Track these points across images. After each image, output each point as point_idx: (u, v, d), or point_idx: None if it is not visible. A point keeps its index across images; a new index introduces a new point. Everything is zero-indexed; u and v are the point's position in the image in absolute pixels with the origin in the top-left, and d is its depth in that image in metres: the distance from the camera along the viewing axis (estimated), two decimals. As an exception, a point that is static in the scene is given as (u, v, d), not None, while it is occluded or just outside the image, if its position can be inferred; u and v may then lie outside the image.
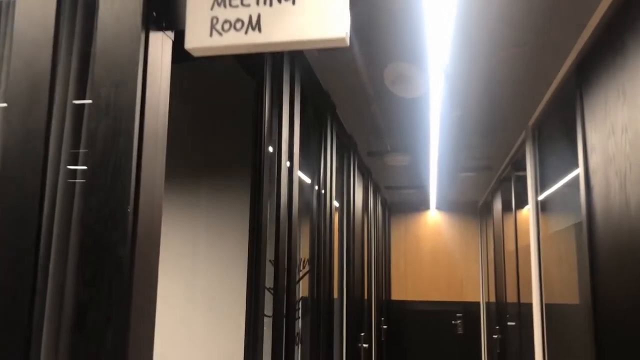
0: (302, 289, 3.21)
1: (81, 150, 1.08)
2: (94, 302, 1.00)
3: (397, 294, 7.65)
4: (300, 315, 2.65)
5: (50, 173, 1.12)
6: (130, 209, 1.03)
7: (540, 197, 3.48)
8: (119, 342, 0.99)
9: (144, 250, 1.06)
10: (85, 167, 1.05)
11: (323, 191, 3.02)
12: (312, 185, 3.04)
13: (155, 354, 3.96)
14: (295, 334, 2.40)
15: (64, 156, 1.13)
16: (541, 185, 3.47)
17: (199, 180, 4.20)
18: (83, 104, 1.12)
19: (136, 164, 1.05)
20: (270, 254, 1.99)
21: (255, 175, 1.88)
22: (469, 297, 7.47)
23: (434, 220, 7.69)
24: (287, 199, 2.13)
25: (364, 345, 4.54)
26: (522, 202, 4.44)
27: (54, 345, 1.04)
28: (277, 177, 2.01)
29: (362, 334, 4.57)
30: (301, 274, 2.81)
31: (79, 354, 0.99)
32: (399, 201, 7.61)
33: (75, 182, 1.09)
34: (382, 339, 6.44)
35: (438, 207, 7.70)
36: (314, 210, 2.95)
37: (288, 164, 2.17)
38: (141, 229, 1.05)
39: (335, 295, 3.87)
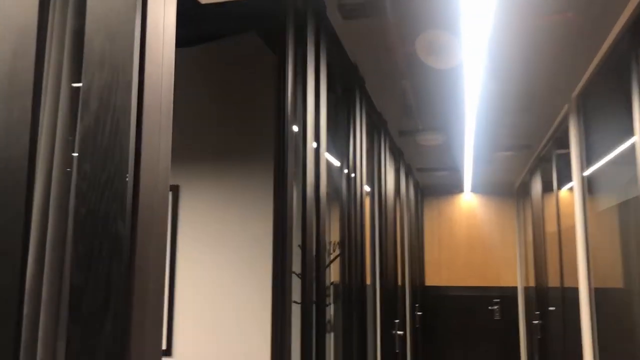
0: (333, 274, 3.07)
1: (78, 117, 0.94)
2: (89, 285, 0.87)
3: (431, 280, 7.46)
4: (331, 301, 2.51)
5: (45, 141, 0.99)
6: (129, 177, 0.89)
7: (586, 173, 3.25)
8: (118, 331, 0.86)
9: (147, 225, 0.93)
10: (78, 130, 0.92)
11: (353, 174, 2.87)
12: (341, 167, 2.88)
13: (178, 345, 3.90)
14: (327, 321, 2.27)
15: (60, 123, 0.99)
16: (586, 161, 3.24)
17: (221, 164, 4.09)
18: (78, 59, 0.98)
19: (136, 124, 0.91)
20: (298, 238, 1.85)
21: (278, 156, 1.73)
22: (506, 282, 7.23)
23: (469, 203, 7.46)
24: (314, 180, 1.98)
25: (399, 332, 4.39)
26: (563, 181, 4.20)
27: (51, 334, 0.92)
28: (302, 158, 1.86)
29: (397, 321, 4.41)
30: (331, 257, 2.66)
31: (75, 343, 0.86)
32: (432, 184, 7.38)
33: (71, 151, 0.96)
34: (417, 326, 6.28)
35: (473, 190, 7.45)
36: (344, 192, 2.80)
37: (314, 144, 2.02)
38: (143, 201, 0.92)
39: (368, 281, 3.72)
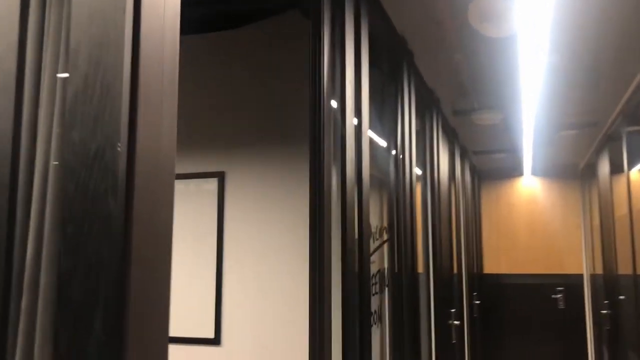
0: (381, 261, 2.91)
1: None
2: (78, 270, 0.75)
3: (489, 268, 7.15)
4: (377, 290, 2.36)
5: (27, 105, 0.88)
6: (121, 147, 0.76)
7: (663, 151, 2.94)
8: (109, 323, 0.73)
9: (146, 204, 0.80)
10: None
11: (402, 155, 2.68)
12: (389, 147, 2.71)
13: (225, 334, 3.83)
14: (372, 312, 2.11)
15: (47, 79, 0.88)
16: (663, 137, 2.93)
17: (266, 149, 3.99)
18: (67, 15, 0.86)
19: (130, 84, 0.78)
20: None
21: (314, 134, 1.58)
22: (570, 269, 6.84)
23: (529, 186, 7.08)
24: (356, 159, 1.82)
25: (455, 322, 4.18)
26: (635, 160, 3.86)
27: (32, 325, 0.81)
28: (341, 135, 1.70)
29: (453, 310, 4.21)
30: (377, 243, 2.50)
31: (62, 337, 0.75)
32: (489, 167, 7.05)
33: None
34: (475, 316, 6.02)
35: (533, 172, 7.06)
36: (392, 175, 2.63)
37: (355, 120, 1.86)
38: (140, 175, 0.79)
39: (421, 269, 3.53)
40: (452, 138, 4.63)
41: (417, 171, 3.45)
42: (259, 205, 4.04)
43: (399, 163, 2.66)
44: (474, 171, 6.67)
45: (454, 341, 4.20)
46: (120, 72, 0.78)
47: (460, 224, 5.16)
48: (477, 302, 6.09)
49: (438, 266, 3.61)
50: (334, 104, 1.74)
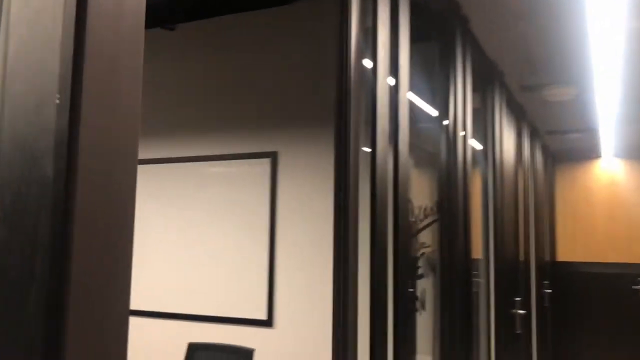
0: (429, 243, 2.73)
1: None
2: (12, 243, 0.66)
3: (563, 255, 6.72)
4: (421, 274, 2.19)
5: None
6: (60, 99, 0.66)
7: None
8: (43, 304, 0.64)
9: (94, 168, 0.69)
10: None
11: (454, 130, 2.48)
12: (440, 121, 2.51)
13: (278, 316, 3.77)
14: (414, 298, 1.96)
15: None
16: None
17: (318, 128, 3.87)
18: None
19: (74, 26, 0.67)
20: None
21: (340, 96, 1.43)
22: (655, 259, 6.31)
23: (609, 168, 6.57)
24: (392, 126, 1.66)
25: (520, 311, 3.92)
26: None
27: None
28: (372, 97, 1.55)
29: (518, 299, 3.95)
30: (423, 223, 2.32)
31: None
32: (564, 148, 6.59)
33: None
34: (545, 305, 5.68)
35: (615, 154, 6.54)
36: (443, 150, 2.44)
37: (392, 81, 1.70)
38: (86, 135, 0.68)
39: (479, 254, 3.32)
40: (520, 116, 4.31)
41: (476, 148, 3.22)
42: (311, 184, 3.93)
43: (450, 136, 2.46)
44: (547, 152, 6.25)
45: (518, 331, 3.94)
46: (61, 17, 0.67)
47: (529, 208, 4.84)
48: (548, 291, 5.73)
49: (499, 252, 3.38)
50: (368, 65, 1.59)
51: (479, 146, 3.29)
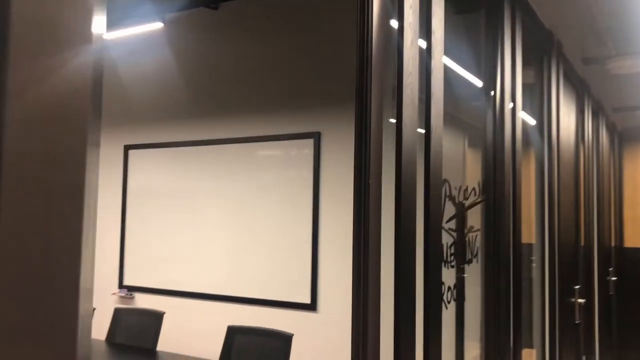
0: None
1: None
2: None
3: (631, 241, 6.30)
4: (455, 260, 2.03)
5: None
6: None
7: None
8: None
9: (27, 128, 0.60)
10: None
11: (500, 99, 2.29)
12: (486, 91, 2.33)
13: (322, 300, 3.67)
14: (446, 287, 1.81)
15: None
16: None
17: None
18: None
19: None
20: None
21: (362, 59, 1.30)
22: None
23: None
24: (425, 89, 1.51)
25: (579, 300, 3.67)
26: None
27: None
28: (399, 59, 1.40)
29: (577, 287, 3.69)
30: (467, 204, 2.15)
31: None
32: (632, 126, 6.14)
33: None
34: (610, 293, 5.33)
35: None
36: (489, 124, 2.25)
37: (424, 43, 1.54)
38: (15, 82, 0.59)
39: (533, 239, 3.10)
40: (581, 91, 4.01)
41: (529, 123, 2.99)
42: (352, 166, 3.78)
43: (497, 109, 2.27)
44: (613, 131, 5.84)
45: (577, 321, 3.70)
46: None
47: (591, 190, 4.52)
48: (613, 278, 5.38)
49: (556, 236, 3.15)
50: (394, 25, 1.44)
51: (532, 122, 3.06)
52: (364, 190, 1.25)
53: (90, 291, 0.70)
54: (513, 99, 2.42)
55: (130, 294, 4.36)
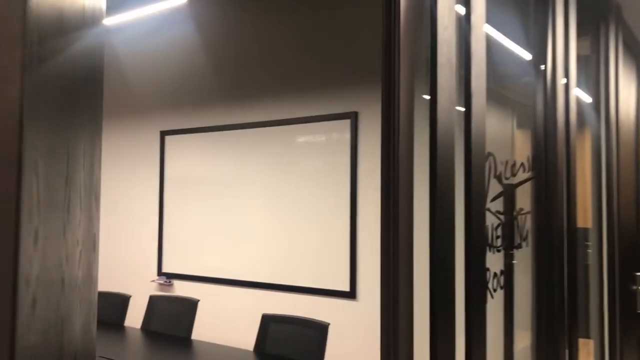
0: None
1: None
2: None
3: (697, 225, 5.87)
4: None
5: None
6: None
7: None
8: None
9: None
10: None
11: (551, 73, 2.07)
12: (535, 65, 2.12)
13: (361, 289, 3.53)
14: (492, 274, 1.64)
15: None
16: None
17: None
18: None
19: None
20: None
21: (389, 25, 1.14)
22: None
23: None
24: (464, 60, 1.34)
25: (641, 289, 3.40)
26: None
27: None
28: (432, 27, 1.23)
29: (638, 273, 3.42)
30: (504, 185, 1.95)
31: None
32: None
33: None
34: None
35: None
36: (539, 99, 2.05)
37: (462, 10, 1.36)
38: None
39: (589, 224, 2.86)
40: (643, 62, 3.69)
41: (582, 99, 2.75)
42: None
43: (548, 84, 2.06)
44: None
45: (639, 310, 3.43)
46: None
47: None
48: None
49: (614, 220, 2.90)
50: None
51: (587, 97, 2.81)
52: (392, 167, 1.09)
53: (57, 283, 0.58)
54: (566, 74, 2.21)
55: (169, 281, 4.33)
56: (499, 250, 1.67)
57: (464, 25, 1.37)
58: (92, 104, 0.74)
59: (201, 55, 4.32)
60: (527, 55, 2.29)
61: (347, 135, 3.61)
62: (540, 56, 2.13)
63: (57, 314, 0.66)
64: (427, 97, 1.25)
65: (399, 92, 1.13)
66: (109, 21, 4.01)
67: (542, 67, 2.08)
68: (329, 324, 2.87)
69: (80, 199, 0.75)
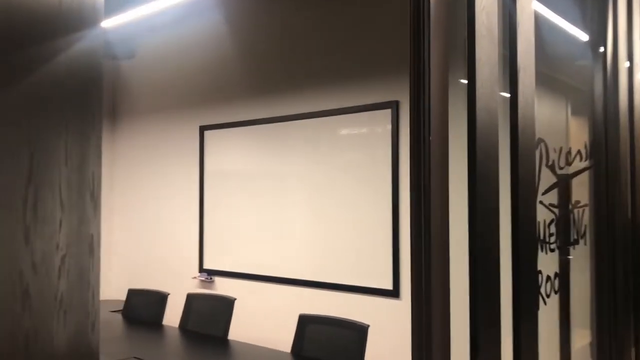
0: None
1: None
2: None
3: None
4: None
5: None
6: None
7: None
8: None
9: None
10: None
11: (612, 56, 1.86)
12: (592, 46, 1.91)
13: (404, 287, 3.36)
14: (545, 277, 1.46)
15: None
16: None
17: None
18: None
19: None
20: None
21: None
22: None
23: None
24: (509, 39, 1.17)
25: None
26: None
27: None
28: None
29: None
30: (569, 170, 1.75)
31: None
32: None
33: None
34: None
35: None
36: (597, 83, 1.84)
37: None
38: None
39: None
40: None
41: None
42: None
43: (609, 67, 1.85)
44: None
45: None
46: None
47: None
48: None
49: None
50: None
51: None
52: (423, 154, 0.94)
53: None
54: (630, 57, 1.98)
55: (210, 278, 4.29)
56: (552, 250, 1.48)
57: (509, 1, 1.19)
58: (80, 98, 0.64)
59: (237, 48, 4.24)
60: (584, 36, 2.08)
61: (389, 126, 3.45)
62: (599, 37, 1.92)
63: (18, 330, 0.55)
64: (464, 81, 1.09)
65: (430, 71, 0.98)
66: (144, 12, 3.89)
67: (601, 49, 1.87)
68: (368, 325, 2.72)
69: (60, 199, 0.64)
